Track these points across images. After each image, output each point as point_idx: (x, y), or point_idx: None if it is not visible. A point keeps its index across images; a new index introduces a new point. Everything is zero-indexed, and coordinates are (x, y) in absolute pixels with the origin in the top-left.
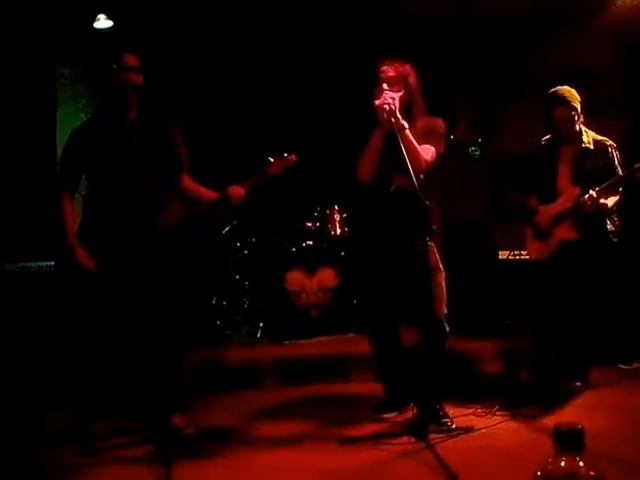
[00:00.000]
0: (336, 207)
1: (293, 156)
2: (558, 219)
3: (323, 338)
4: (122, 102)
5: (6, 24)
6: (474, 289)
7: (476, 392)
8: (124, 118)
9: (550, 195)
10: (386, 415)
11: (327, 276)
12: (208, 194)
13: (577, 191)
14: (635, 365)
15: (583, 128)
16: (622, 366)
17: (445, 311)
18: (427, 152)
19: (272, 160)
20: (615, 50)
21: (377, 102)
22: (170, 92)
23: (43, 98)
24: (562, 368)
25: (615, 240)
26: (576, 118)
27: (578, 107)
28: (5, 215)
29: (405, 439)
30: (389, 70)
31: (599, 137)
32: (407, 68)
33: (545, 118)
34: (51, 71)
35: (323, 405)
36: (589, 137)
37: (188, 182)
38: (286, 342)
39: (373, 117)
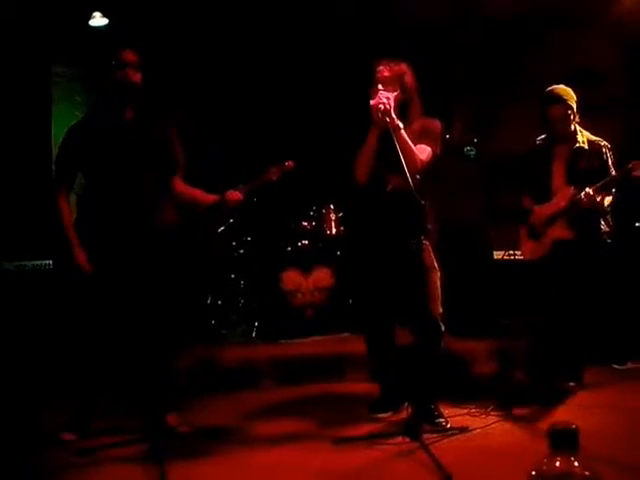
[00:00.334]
0: (332, 206)
1: (291, 162)
2: (552, 219)
3: (318, 338)
4: (119, 99)
5: (1, 22)
6: (469, 289)
7: (471, 392)
8: (121, 116)
9: (545, 195)
10: (381, 415)
11: (323, 276)
12: (204, 197)
13: (571, 191)
14: (629, 365)
15: (578, 128)
16: (616, 366)
17: (440, 310)
18: (423, 152)
19: (270, 166)
20: (614, 51)
21: (372, 102)
22: (166, 92)
23: (38, 96)
24: (556, 368)
25: (609, 241)
26: (572, 117)
27: (574, 106)
28: (0, 213)
29: (400, 439)
30: (384, 70)
31: (593, 137)
32: (403, 68)
33: (541, 117)
34: (46, 69)
35: (318, 405)
36: (584, 137)
37: (180, 185)
38: (282, 341)
39: (369, 117)
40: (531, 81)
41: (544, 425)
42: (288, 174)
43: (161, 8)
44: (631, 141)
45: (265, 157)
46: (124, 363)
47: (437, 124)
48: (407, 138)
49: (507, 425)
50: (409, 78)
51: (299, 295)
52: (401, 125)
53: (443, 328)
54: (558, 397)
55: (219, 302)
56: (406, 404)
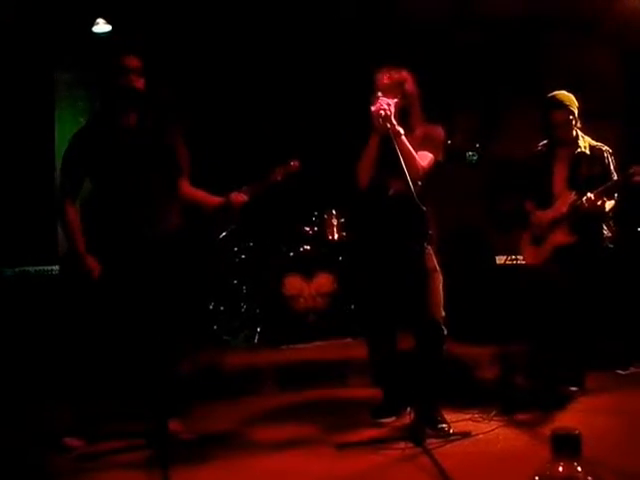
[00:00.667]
0: (334, 212)
1: (296, 163)
2: (554, 224)
3: (321, 343)
4: (123, 105)
5: (4, 27)
6: (471, 294)
7: (473, 397)
8: (124, 122)
9: (546, 200)
10: (383, 420)
11: (325, 281)
12: (210, 199)
13: (572, 196)
14: (632, 370)
15: (580, 133)
16: (619, 371)
17: (443, 314)
18: (424, 158)
19: (275, 166)
20: (614, 56)
21: (373, 108)
22: (169, 96)
23: (41, 102)
24: (558, 373)
25: (611, 246)
26: (573, 123)
27: (576, 112)
28: (3, 219)
29: (402, 444)
30: (384, 78)
31: (595, 142)
32: (403, 75)
33: (543, 122)
34: (49, 75)
35: (320, 410)
36: (585, 142)
37: (187, 187)
38: (284, 347)
39: (370, 122)
40: (532, 87)
41: (547, 430)
42: (293, 175)
43: (163, 14)
44: (631, 146)
45: (268, 161)
46: (128, 369)
47: (440, 131)
48: (408, 144)
49: (510, 430)
50: (410, 85)
51: (301, 300)
52: (402, 131)
53: (445, 332)
54: (560, 402)
55: (221, 308)
56: (409, 409)
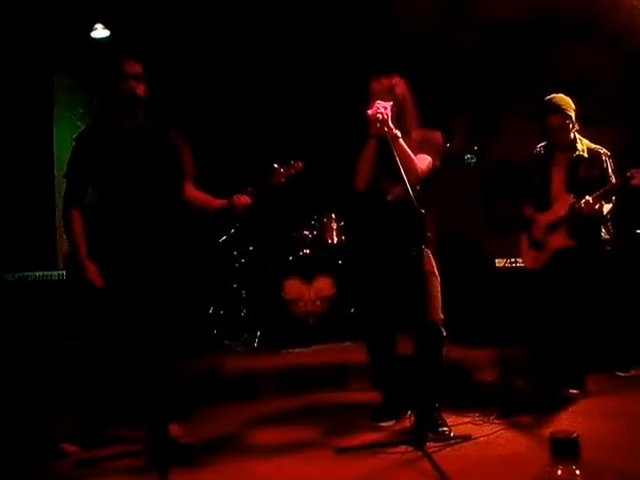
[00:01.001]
0: (333, 216)
1: (299, 163)
2: (552, 227)
3: (320, 347)
4: (124, 111)
5: (4, 32)
6: (471, 297)
7: (474, 400)
8: (126, 127)
9: (545, 203)
10: (384, 423)
11: (324, 285)
12: (214, 202)
13: (570, 199)
14: (633, 372)
15: (578, 136)
16: (620, 373)
17: (441, 316)
18: (423, 161)
19: (278, 168)
20: (613, 60)
21: (369, 112)
22: (170, 101)
23: (40, 107)
24: (559, 376)
25: (609, 248)
26: (570, 126)
27: (573, 116)
28: (2, 224)
29: (403, 448)
30: (376, 85)
31: (593, 145)
32: (393, 80)
33: (540, 126)
34: (48, 80)
35: (321, 414)
36: (583, 145)
37: (191, 190)
38: (284, 351)
39: (368, 127)
40: (530, 90)
41: (547, 433)
42: (296, 177)
43: (163, 19)
44: (630, 150)
45: (269, 164)
46: (127, 373)
47: (438, 136)
48: (406, 147)
49: (510, 433)
50: (400, 89)
51: (301, 304)
52: (399, 134)
53: (445, 334)
54: (561, 405)
55: (221, 312)
56: (409, 413)
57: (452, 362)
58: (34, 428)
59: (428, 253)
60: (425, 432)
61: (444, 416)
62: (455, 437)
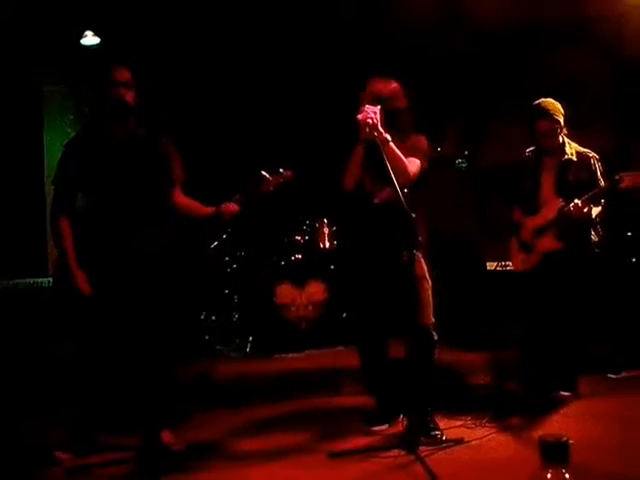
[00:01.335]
0: (325, 220)
1: (289, 172)
2: (541, 230)
3: (313, 352)
4: (113, 118)
5: None
6: (462, 300)
7: (466, 404)
8: (116, 134)
9: (534, 206)
10: (376, 428)
11: (316, 289)
12: (202, 209)
13: (559, 202)
14: (624, 374)
15: (566, 140)
16: (611, 375)
17: (433, 320)
18: (413, 165)
19: (267, 176)
20: (602, 64)
21: (359, 117)
22: (159, 108)
23: (30, 114)
24: (551, 378)
25: (598, 251)
26: (559, 131)
27: (561, 120)
28: None
29: (395, 452)
30: (371, 87)
31: (582, 149)
32: (391, 85)
33: (529, 130)
34: (38, 87)
35: (313, 419)
36: (572, 149)
37: (180, 197)
38: (276, 356)
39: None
40: (520, 94)
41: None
42: (285, 185)
43: (153, 25)
44: (618, 153)
45: (260, 170)
46: (119, 380)
47: (423, 140)
48: (397, 151)
49: (503, 437)
50: (397, 94)
51: (293, 309)
52: (389, 138)
53: (436, 338)
54: (553, 407)
55: (213, 317)
56: (401, 417)
57: (444, 365)
58: (26, 435)
59: (419, 257)
60: (418, 436)
61: (436, 420)
62: (447, 441)
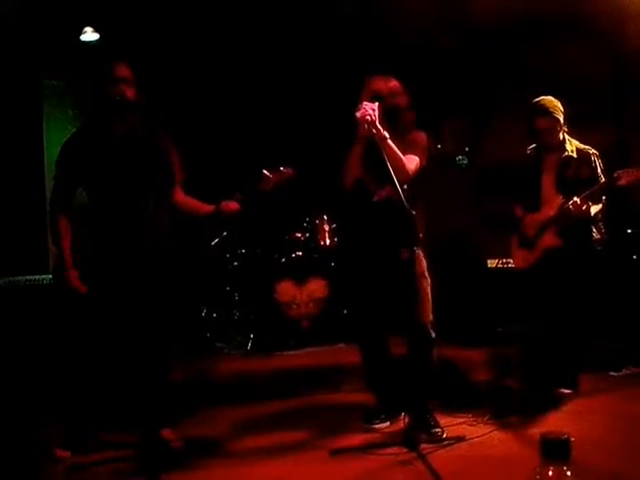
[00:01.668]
0: (325, 217)
1: (289, 170)
2: (542, 227)
3: (314, 349)
4: (113, 115)
5: None
6: (463, 298)
7: (467, 401)
8: (116, 131)
9: (535, 203)
10: (377, 425)
11: (317, 287)
12: (202, 207)
13: (560, 199)
14: (625, 372)
15: (566, 137)
16: (612, 373)
17: (431, 318)
18: (412, 162)
19: (268, 174)
20: (602, 60)
21: (358, 114)
22: (159, 105)
23: (30, 110)
24: (551, 375)
25: (599, 248)
26: (558, 128)
27: (561, 118)
28: None
29: (396, 449)
30: (372, 85)
31: (582, 146)
32: (391, 83)
33: (528, 128)
34: (38, 83)
35: (314, 416)
36: (572, 146)
37: (179, 195)
38: (277, 353)
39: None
40: (520, 92)
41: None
42: (285, 183)
43: (153, 22)
44: (619, 150)
45: (260, 168)
46: (119, 378)
47: (423, 136)
48: (395, 148)
49: (504, 434)
50: (398, 91)
51: (294, 306)
52: (387, 135)
53: (434, 335)
54: (553, 404)
55: (214, 315)
56: (403, 414)
57: (445, 362)
58: (27, 433)
59: (419, 254)
60: (418, 433)
61: (437, 417)
62: (448, 438)
